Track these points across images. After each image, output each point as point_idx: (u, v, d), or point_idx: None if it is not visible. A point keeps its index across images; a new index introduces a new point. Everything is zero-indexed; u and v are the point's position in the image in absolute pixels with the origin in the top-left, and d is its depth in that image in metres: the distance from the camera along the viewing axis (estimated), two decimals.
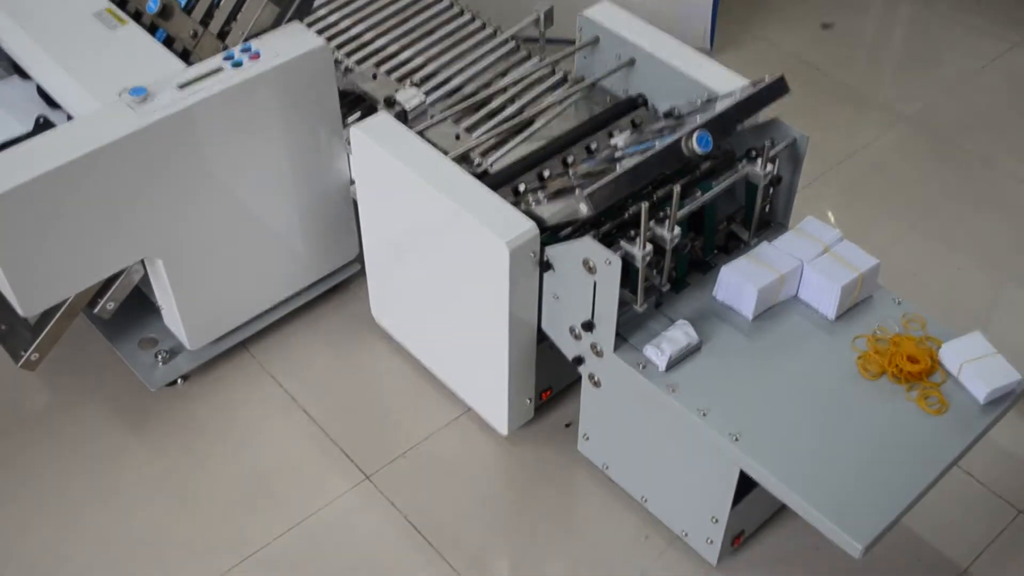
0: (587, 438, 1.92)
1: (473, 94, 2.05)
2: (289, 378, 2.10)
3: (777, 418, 1.61)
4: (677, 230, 1.65)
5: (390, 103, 1.98)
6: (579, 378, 1.83)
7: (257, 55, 1.83)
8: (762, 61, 2.90)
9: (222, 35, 1.90)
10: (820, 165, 2.57)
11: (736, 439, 1.58)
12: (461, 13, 2.26)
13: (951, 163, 2.61)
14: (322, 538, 1.87)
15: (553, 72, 2.12)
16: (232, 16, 1.91)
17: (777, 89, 1.79)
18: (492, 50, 2.17)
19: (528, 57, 2.17)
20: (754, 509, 1.79)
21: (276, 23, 1.89)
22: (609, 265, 1.60)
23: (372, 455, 1.98)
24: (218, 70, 1.80)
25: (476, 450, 2.00)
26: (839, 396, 1.65)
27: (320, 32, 2.15)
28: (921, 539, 1.87)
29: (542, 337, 1.84)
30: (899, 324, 1.74)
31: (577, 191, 1.62)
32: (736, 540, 1.81)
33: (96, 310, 1.93)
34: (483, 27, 2.23)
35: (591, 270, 1.63)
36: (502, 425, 1.96)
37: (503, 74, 2.12)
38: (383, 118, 1.86)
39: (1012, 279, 2.32)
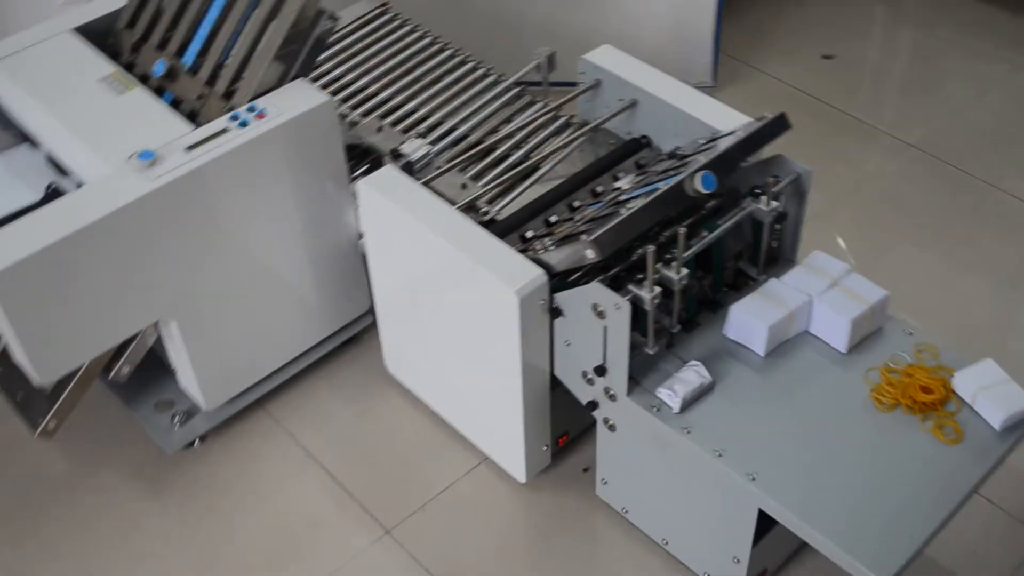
0: (605, 482, 1.92)
1: (478, 142, 2.07)
2: (305, 434, 2.11)
3: (793, 455, 1.61)
4: (684, 271, 1.65)
5: (396, 155, 2.00)
6: (595, 422, 1.83)
7: (263, 114, 1.85)
8: (765, 95, 2.91)
9: (228, 95, 1.92)
10: (828, 196, 2.57)
11: (753, 478, 1.58)
12: (464, 62, 2.28)
13: (958, 188, 2.61)
14: None
15: (557, 117, 2.14)
16: (237, 76, 1.93)
17: (778, 126, 1.80)
18: (495, 97, 2.18)
19: (531, 103, 2.19)
20: (775, 547, 1.78)
21: (281, 81, 1.92)
22: (618, 309, 1.60)
23: (391, 508, 1.98)
24: (224, 131, 1.82)
25: (495, 499, 1.99)
26: (854, 430, 1.64)
27: (324, 86, 2.17)
28: (945, 569, 1.86)
29: (556, 383, 1.84)
30: (911, 354, 1.74)
31: (583, 236, 1.63)
32: None
33: (111, 375, 1.94)
34: (486, 75, 2.24)
35: (601, 315, 1.64)
36: (520, 472, 1.96)
37: (507, 121, 2.14)
38: (389, 171, 1.88)
39: (1016, 299, 2.31)
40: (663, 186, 1.69)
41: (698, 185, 1.67)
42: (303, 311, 2.10)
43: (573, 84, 2.13)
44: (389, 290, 2.00)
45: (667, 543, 1.86)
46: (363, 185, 1.85)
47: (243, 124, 1.83)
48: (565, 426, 1.99)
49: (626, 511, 1.91)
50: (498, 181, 1.98)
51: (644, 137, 2.05)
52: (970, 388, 1.65)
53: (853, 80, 3.00)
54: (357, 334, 2.25)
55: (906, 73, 3.04)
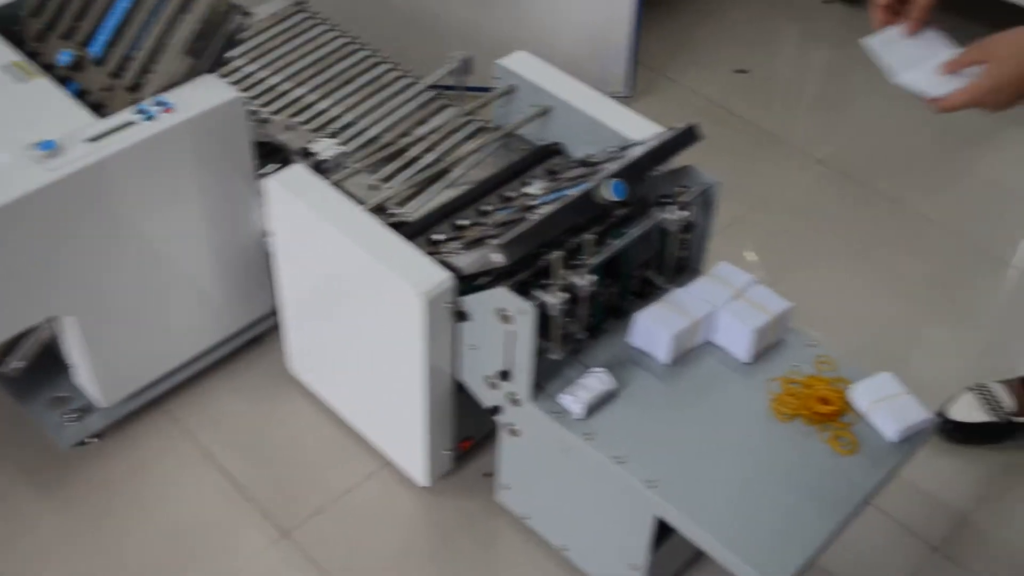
0: (507, 488, 1.91)
1: (390, 144, 2.05)
2: (205, 434, 2.07)
3: (693, 463, 1.62)
4: (591, 278, 1.65)
5: (306, 154, 1.98)
6: (498, 427, 1.83)
7: (170, 108, 1.81)
8: (680, 106, 2.94)
9: (135, 88, 1.89)
10: (738, 208, 2.60)
11: (653, 485, 1.58)
12: (379, 63, 2.26)
13: (865, 204, 2.66)
14: None
15: (470, 121, 2.13)
16: (145, 69, 1.89)
17: (689, 136, 1.81)
18: (410, 99, 2.17)
19: (446, 106, 2.18)
20: (673, 555, 1.79)
21: (189, 76, 1.88)
22: (524, 315, 1.60)
23: (290, 511, 1.95)
24: (130, 123, 1.78)
25: (396, 503, 1.98)
26: (754, 439, 1.66)
27: (236, 83, 2.13)
28: None
29: (459, 387, 1.84)
30: (812, 366, 1.76)
31: (491, 241, 1.62)
32: None
33: (3, 369, 1.88)
34: (401, 77, 2.23)
35: (506, 320, 1.63)
36: (422, 477, 1.95)
37: (420, 123, 2.13)
38: (297, 169, 1.86)
39: (926, 317, 2.36)
40: (573, 193, 1.69)
41: (608, 193, 1.68)
42: (206, 309, 2.06)
43: (488, 89, 2.13)
44: (295, 290, 1.98)
45: (567, 550, 1.87)
46: (271, 183, 1.82)
47: (149, 117, 1.79)
48: (468, 431, 1.98)
49: (527, 517, 1.91)
50: (409, 183, 1.96)
51: (556, 144, 2.05)
52: (866, 400, 1.68)
53: (766, 94, 3.04)
54: (260, 335, 2.21)
55: (817, 89, 3.09)
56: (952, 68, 1.52)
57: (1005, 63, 1.44)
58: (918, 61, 1.57)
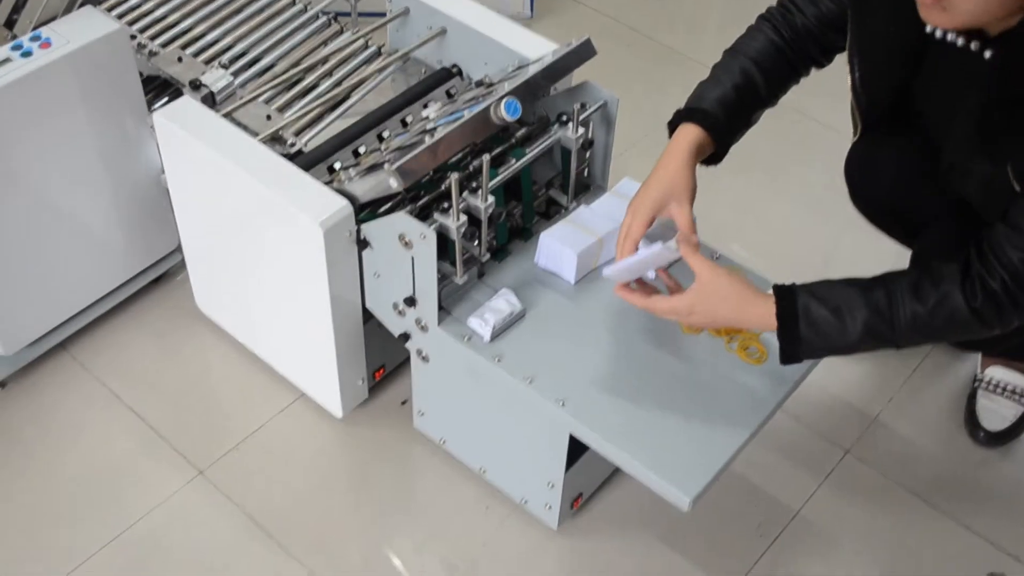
0: (422, 414, 1.91)
1: (284, 72, 2.00)
2: (112, 376, 2.03)
3: (602, 380, 1.62)
4: (491, 199, 1.64)
5: (195, 86, 1.92)
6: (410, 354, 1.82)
7: (48, 43, 1.74)
8: (582, 26, 2.91)
9: (9, 24, 1.81)
10: (645, 125, 2.58)
11: (563, 404, 1.59)
12: None
13: (768, 115, 2.66)
14: (156, 539, 1.81)
15: (366, 46, 2.09)
16: (20, 3, 1.82)
17: (584, 52, 1.79)
18: (303, 26, 2.12)
19: (340, 32, 2.13)
20: (589, 471, 1.80)
21: (68, 8, 1.82)
22: (424, 239, 1.58)
23: (204, 449, 1.93)
24: (6, 61, 1.71)
25: (312, 435, 1.96)
26: (662, 353, 1.67)
27: (121, 16, 2.06)
28: (755, 486, 1.92)
29: (369, 316, 1.82)
30: None
31: (386, 165, 1.60)
32: (575, 503, 1.83)
33: None
34: (293, 3, 2.17)
35: (407, 245, 1.61)
36: (336, 408, 1.93)
37: (315, 50, 2.08)
38: (187, 102, 1.81)
39: (830, 223, 2.38)
40: (468, 114, 1.67)
41: (502, 112, 1.66)
42: (106, 250, 2.01)
43: (382, 14, 2.08)
44: (194, 226, 1.93)
45: (485, 471, 1.87)
46: (159, 117, 1.77)
47: (26, 54, 1.72)
48: (381, 359, 1.96)
49: (444, 441, 1.91)
50: (305, 112, 1.92)
51: (455, 66, 2.02)
52: None
53: (670, 12, 3.02)
54: (166, 272, 2.17)
55: (723, 6, 3.08)
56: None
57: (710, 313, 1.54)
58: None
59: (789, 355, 1.52)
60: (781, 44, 1.69)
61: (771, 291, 1.52)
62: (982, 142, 1.49)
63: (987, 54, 1.46)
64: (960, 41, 1.48)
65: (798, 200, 2.46)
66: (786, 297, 1.50)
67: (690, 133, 1.65)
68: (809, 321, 1.48)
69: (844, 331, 1.47)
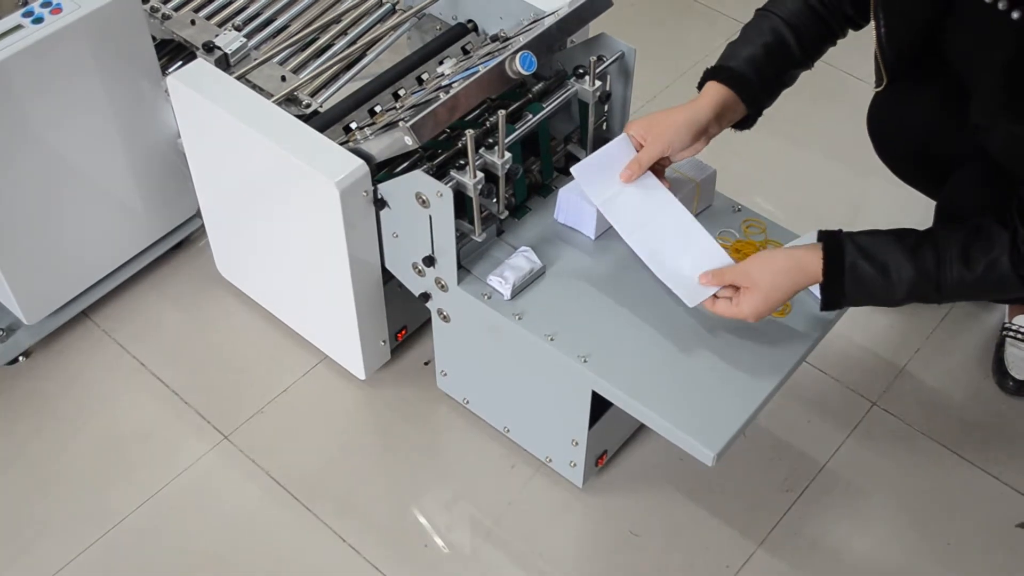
0: (445, 374, 1.90)
1: (298, 32, 1.98)
2: (136, 343, 2.04)
3: (624, 336, 1.61)
4: (508, 156, 1.62)
5: (209, 48, 1.91)
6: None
7: (59, 8, 1.73)
8: None
9: None
10: (664, 77, 2.56)
11: (585, 360, 1.58)
12: None
13: None
14: (184, 503, 1.82)
15: (381, 3, 2.06)
16: None
17: (600, 3, 1.76)
18: None
19: None
20: (613, 428, 1.79)
21: None
22: (441, 197, 1.56)
23: (229, 414, 1.94)
24: (17, 27, 1.70)
25: (335, 398, 1.96)
26: (684, 308, 1.65)
27: None
28: (780, 440, 1.90)
29: (389, 276, 1.81)
30: (740, 230, 1.75)
31: (401, 123, 1.58)
32: (600, 460, 1.82)
33: None
34: None
35: (424, 204, 1.60)
36: (359, 370, 1.93)
37: (328, 9, 2.05)
38: (200, 64, 1.79)
39: (855, 173, 2.35)
40: (483, 69, 1.65)
41: (517, 66, 1.63)
42: (125, 216, 2.01)
43: None
44: (212, 191, 1.93)
45: (508, 430, 1.86)
46: (173, 80, 1.76)
47: (38, 20, 1.71)
48: (403, 320, 1.96)
49: (467, 401, 1.91)
50: (320, 72, 1.90)
51: (470, 22, 2.00)
52: None
53: None
54: (187, 238, 2.17)
55: None
56: (710, 281, 1.56)
57: (765, 293, 1.52)
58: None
59: (830, 304, 1.53)
60: (814, 2, 1.65)
61: (817, 239, 1.50)
62: (1008, 100, 1.46)
63: (1015, 15, 1.43)
64: None
65: (823, 151, 2.42)
66: (834, 250, 1.49)
67: (712, 92, 1.63)
68: (855, 277, 1.48)
69: (889, 289, 1.47)
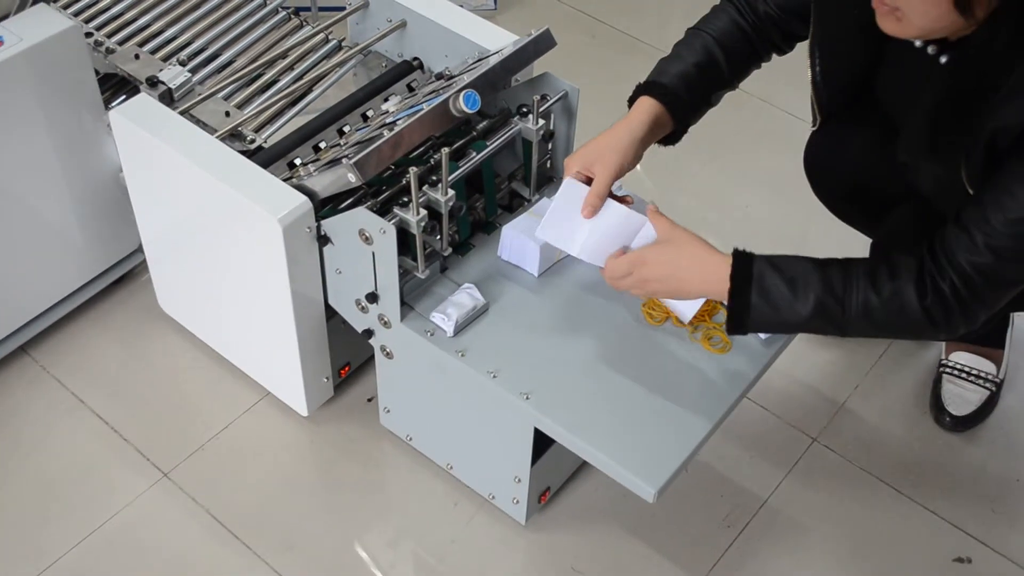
0: (388, 411, 1.90)
1: (244, 68, 1.98)
2: (75, 379, 2.01)
3: (567, 372, 1.62)
4: (451, 193, 1.62)
5: (153, 83, 1.90)
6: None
7: (0, 41, 1.72)
8: (546, 17, 2.89)
9: None
10: (608, 116, 2.57)
11: (527, 397, 1.58)
12: None
13: (735, 105, 2.65)
14: (122, 541, 1.79)
15: (327, 40, 2.07)
16: None
17: (544, 42, 1.78)
18: (262, 20, 2.10)
19: (301, 26, 2.11)
20: (555, 465, 1.80)
21: (20, 6, 1.80)
22: (384, 234, 1.57)
23: (169, 451, 1.91)
24: None
25: (277, 434, 1.95)
26: (626, 344, 1.66)
27: (77, 13, 2.03)
28: (722, 476, 1.91)
29: (332, 313, 1.80)
30: None
31: (345, 160, 1.58)
32: (543, 497, 1.82)
33: None
34: None
35: (368, 240, 1.60)
36: (301, 406, 1.92)
37: (275, 45, 2.06)
38: (144, 99, 1.79)
39: (797, 210, 2.37)
40: (427, 107, 1.66)
41: (461, 104, 1.64)
42: (66, 250, 1.99)
43: (344, 9, 2.07)
44: (154, 225, 1.91)
45: (452, 467, 1.86)
46: (115, 114, 1.75)
47: None
48: (346, 356, 1.95)
49: (410, 438, 1.90)
50: (265, 107, 1.90)
51: (416, 59, 2.01)
52: None
53: (636, 2, 3.01)
54: (129, 272, 2.15)
55: None
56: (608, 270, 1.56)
57: (669, 257, 1.52)
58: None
59: (736, 323, 1.49)
60: (744, 25, 1.68)
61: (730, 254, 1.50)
62: (932, 142, 1.49)
63: (943, 59, 1.47)
64: (919, 43, 1.48)
65: (765, 188, 2.46)
66: (743, 261, 1.48)
67: (646, 106, 1.64)
68: (761, 288, 1.46)
69: (794, 304, 1.45)
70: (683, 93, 1.65)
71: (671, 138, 1.71)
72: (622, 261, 1.53)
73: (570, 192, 1.59)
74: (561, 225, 1.60)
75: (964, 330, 1.43)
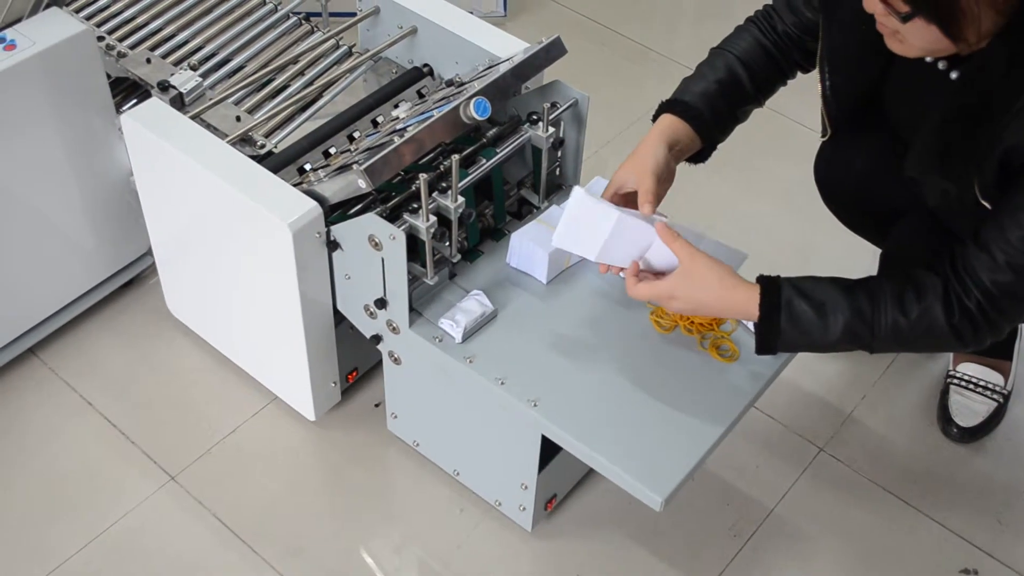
0: (395, 416, 1.90)
1: (254, 73, 1.99)
2: (83, 381, 2.01)
3: (575, 380, 1.62)
4: (461, 200, 1.63)
5: (164, 87, 1.91)
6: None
7: (12, 45, 1.73)
8: (556, 25, 2.90)
9: None
10: (617, 124, 2.59)
11: (535, 404, 1.58)
12: None
13: None
14: (129, 544, 1.80)
15: (337, 46, 2.08)
16: None
17: (554, 50, 1.78)
18: (273, 26, 2.11)
19: (311, 32, 2.12)
20: (562, 473, 1.80)
21: (33, 10, 1.80)
22: (393, 240, 1.57)
23: (176, 454, 1.92)
24: None
25: (284, 439, 1.95)
26: (635, 353, 1.66)
27: (89, 17, 2.04)
28: (729, 485, 1.91)
29: (341, 318, 1.81)
30: None
31: (355, 166, 1.59)
32: (549, 504, 1.82)
33: None
34: (263, 3, 2.16)
35: (377, 246, 1.60)
36: (308, 411, 1.92)
37: (286, 50, 2.06)
38: (155, 103, 1.79)
39: (805, 220, 2.38)
40: (438, 113, 1.66)
41: (472, 111, 1.65)
42: (75, 253, 2.00)
43: (354, 15, 2.07)
44: (164, 229, 1.92)
45: (458, 473, 1.86)
46: (127, 118, 1.75)
47: None
48: (354, 362, 1.95)
49: (417, 444, 1.90)
50: (275, 113, 1.91)
51: (426, 66, 2.01)
52: None
53: (646, 10, 3.02)
54: (138, 275, 2.15)
55: (696, 1, 3.07)
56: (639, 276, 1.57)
57: (693, 280, 1.52)
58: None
59: (766, 347, 1.52)
60: (767, 44, 1.69)
61: (755, 280, 1.51)
62: (941, 158, 1.49)
63: (953, 75, 1.47)
64: (928, 58, 1.48)
65: (774, 198, 2.46)
66: (771, 288, 1.49)
67: (667, 122, 1.65)
68: (791, 315, 1.48)
69: (825, 330, 1.47)
70: (704, 109, 1.66)
71: (701, 155, 1.71)
72: (648, 296, 1.55)
73: (582, 201, 1.59)
74: (579, 235, 1.58)
75: (990, 342, 1.45)
